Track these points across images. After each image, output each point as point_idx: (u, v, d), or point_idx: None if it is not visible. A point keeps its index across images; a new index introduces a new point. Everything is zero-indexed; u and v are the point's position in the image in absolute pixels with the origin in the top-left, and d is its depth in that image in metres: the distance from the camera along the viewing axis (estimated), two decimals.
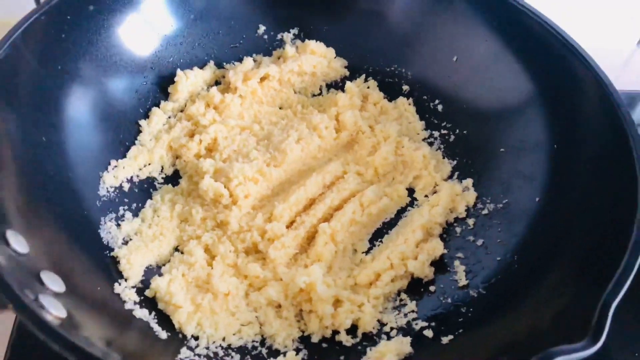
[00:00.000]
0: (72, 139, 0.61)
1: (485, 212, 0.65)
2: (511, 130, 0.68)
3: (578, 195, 0.56)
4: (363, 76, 0.79)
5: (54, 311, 0.43)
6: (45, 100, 0.59)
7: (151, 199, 0.65)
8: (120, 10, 0.68)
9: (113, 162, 0.65)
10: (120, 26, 0.68)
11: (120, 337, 0.48)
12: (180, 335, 0.53)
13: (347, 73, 0.80)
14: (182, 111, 0.73)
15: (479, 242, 0.62)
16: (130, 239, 0.60)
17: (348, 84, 0.77)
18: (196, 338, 0.53)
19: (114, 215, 0.62)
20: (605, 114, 0.55)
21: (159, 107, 0.72)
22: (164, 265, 0.60)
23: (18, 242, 0.46)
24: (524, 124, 0.66)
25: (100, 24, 0.66)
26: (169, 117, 0.72)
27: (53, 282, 0.47)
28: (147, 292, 0.56)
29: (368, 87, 0.79)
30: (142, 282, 0.57)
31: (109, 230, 0.60)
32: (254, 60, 0.78)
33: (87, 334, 0.43)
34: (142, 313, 0.53)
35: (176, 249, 0.62)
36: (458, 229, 0.65)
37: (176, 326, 0.54)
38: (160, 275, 0.58)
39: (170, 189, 0.67)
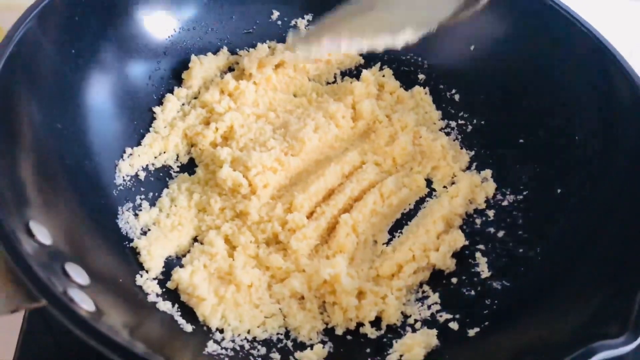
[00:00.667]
0: (88, 125, 0.59)
1: (505, 203, 0.65)
2: (530, 121, 0.67)
3: (606, 187, 0.56)
4: (378, 64, 0.78)
5: (84, 305, 0.42)
6: (62, 85, 0.57)
7: (168, 187, 0.64)
8: None
9: (128, 150, 0.64)
10: (136, 9, 0.67)
11: (146, 330, 0.47)
12: (205, 328, 0.52)
13: (362, 61, 0.79)
14: (196, 98, 0.72)
15: (500, 233, 0.62)
16: (149, 229, 0.59)
17: (364, 72, 0.76)
18: (221, 331, 0.53)
19: (131, 204, 0.60)
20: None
21: (172, 94, 0.70)
22: (183, 256, 0.59)
23: (42, 234, 0.45)
24: (544, 115, 0.66)
25: (115, 6, 0.65)
26: (183, 104, 0.71)
27: (77, 274, 0.46)
28: (169, 284, 0.55)
29: (383, 76, 0.78)
30: (163, 273, 0.56)
31: (127, 220, 0.59)
32: (268, 47, 0.77)
33: (115, 327, 0.42)
34: (165, 306, 0.52)
35: (195, 239, 0.61)
36: (478, 221, 0.64)
37: (200, 319, 0.53)
38: (181, 266, 0.57)
39: (187, 178, 0.65)
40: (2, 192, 0.43)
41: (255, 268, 0.57)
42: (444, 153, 0.70)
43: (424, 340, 0.52)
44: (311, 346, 0.53)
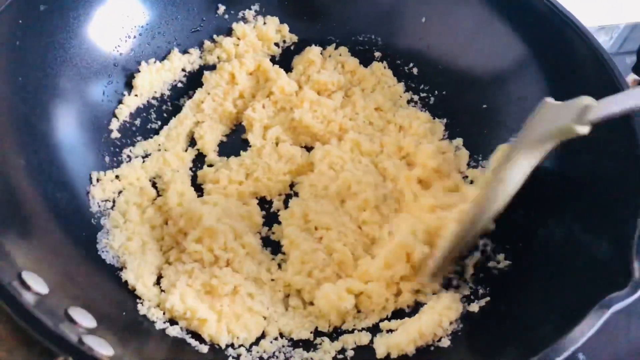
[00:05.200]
0: (54, 156, 0.56)
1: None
2: (491, 87, 0.69)
3: (579, 146, 0.58)
4: (333, 45, 0.78)
5: (102, 350, 0.40)
6: (20, 118, 0.53)
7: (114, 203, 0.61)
8: (71, 7, 0.62)
9: (95, 175, 0.60)
10: (79, 26, 0.62)
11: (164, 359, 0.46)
12: (217, 347, 0.51)
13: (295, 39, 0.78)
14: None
15: None
16: (124, 258, 0.56)
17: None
18: (232, 346, 0.52)
19: (105, 231, 0.58)
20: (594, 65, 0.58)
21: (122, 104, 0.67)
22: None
23: (37, 283, 0.43)
24: (505, 80, 0.68)
25: (55, 24, 0.60)
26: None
27: (83, 317, 0.44)
28: (166, 316, 0.53)
29: (340, 55, 0.77)
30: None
31: (106, 250, 0.56)
32: (214, 41, 0.74)
33: None
34: (175, 330, 0.51)
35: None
36: None
37: (207, 340, 0.52)
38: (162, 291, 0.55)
39: (135, 192, 0.62)
40: None
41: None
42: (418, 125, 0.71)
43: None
44: (319, 344, 0.53)
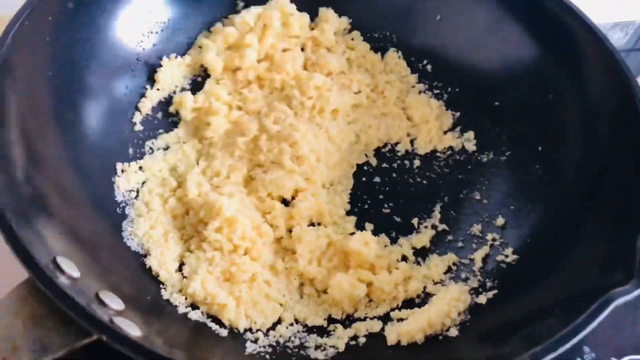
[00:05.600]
0: (81, 149, 0.59)
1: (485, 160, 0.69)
2: (504, 85, 0.71)
3: (585, 141, 0.60)
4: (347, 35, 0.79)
5: (131, 330, 0.43)
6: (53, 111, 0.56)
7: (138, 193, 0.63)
8: (97, 4, 0.64)
9: (119, 166, 0.63)
10: (102, 20, 0.65)
11: (189, 342, 0.49)
12: (236, 331, 0.54)
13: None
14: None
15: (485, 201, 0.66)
16: (147, 245, 0.59)
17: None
18: (251, 330, 0.55)
19: (130, 219, 0.60)
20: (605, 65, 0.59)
21: (145, 97, 0.69)
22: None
23: (70, 267, 0.45)
24: (518, 79, 0.69)
25: (82, 21, 0.63)
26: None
27: (112, 301, 0.46)
28: (188, 300, 0.55)
29: (352, 39, 0.79)
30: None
31: (131, 237, 0.59)
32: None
33: (165, 347, 0.44)
34: (196, 314, 0.54)
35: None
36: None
37: (226, 324, 0.54)
38: (184, 278, 0.57)
39: (157, 182, 0.64)
40: (27, 231, 0.43)
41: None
42: (429, 112, 0.73)
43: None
44: (332, 330, 0.56)
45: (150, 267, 0.56)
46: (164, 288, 0.55)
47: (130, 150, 0.65)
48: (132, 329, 0.43)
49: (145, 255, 0.57)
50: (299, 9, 0.76)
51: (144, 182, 0.64)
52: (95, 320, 0.39)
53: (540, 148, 0.65)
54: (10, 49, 0.52)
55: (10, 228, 0.42)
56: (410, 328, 0.53)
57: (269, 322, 0.55)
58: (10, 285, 0.42)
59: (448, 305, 0.54)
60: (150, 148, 0.67)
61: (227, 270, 0.57)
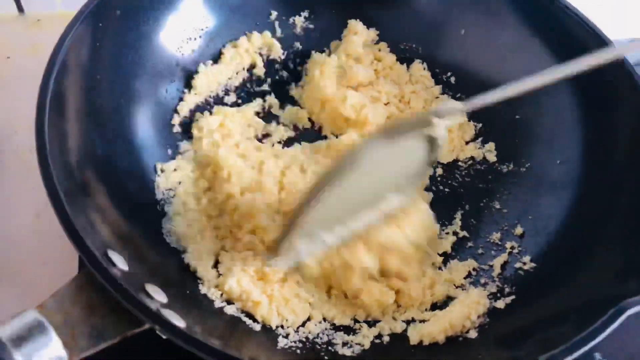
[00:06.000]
0: (125, 149, 0.63)
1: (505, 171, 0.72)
2: (525, 100, 0.72)
3: (602, 156, 0.63)
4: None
5: (175, 321, 0.46)
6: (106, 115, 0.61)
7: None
8: (143, 12, 0.68)
9: (159, 165, 0.67)
10: (147, 27, 0.68)
11: (225, 334, 0.52)
12: (268, 326, 0.57)
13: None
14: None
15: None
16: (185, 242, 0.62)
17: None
18: (282, 327, 0.58)
19: (169, 218, 0.64)
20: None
21: (183, 100, 0.73)
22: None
23: (120, 261, 0.49)
24: (539, 94, 0.71)
25: (128, 27, 0.66)
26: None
27: (157, 294, 0.50)
28: (224, 297, 0.58)
29: (379, 50, 0.82)
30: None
31: (169, 235, 0.62)
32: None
33: (206, 337, 0.47)
34: (231, 309, 0.57)
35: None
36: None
37: (259, 320, 0.57)
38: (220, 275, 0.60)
39: (191, 183, 0.67)
40: (84, 225, 0.46)
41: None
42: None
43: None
44: (358, 329, 0.59)
45: (188, 264, 0.60)
46: (202, 283, 0.58)
47: (169, 151, 0.69)
48: (177, 320, 0.46)
49: (183, 252, 0.61)
50: (329, 21, 0.80)
51: (180, 182, 0.67)
52: (147, 309, 0.42)
53: (558, 161, 0.68)
54: (68, 51, 0.55)
55: (67, 215, 0.45)
56: (432, 329, 0.56)
57: (300, 320, 0.58)
58: (68, 275, 0.46)
59: (468, 308, 0.57)
60: (184, 149, 0.71)
61: (261, 270, 0.60)
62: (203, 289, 0.58)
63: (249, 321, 0.56)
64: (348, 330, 0.59)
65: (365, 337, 0.57)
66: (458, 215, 0.69)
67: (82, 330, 0.43)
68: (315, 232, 0.56)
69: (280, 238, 0.57)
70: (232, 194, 0.64)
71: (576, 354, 0.45)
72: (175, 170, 0.68)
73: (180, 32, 0.73)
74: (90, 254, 0.44)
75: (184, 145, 0.71)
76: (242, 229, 0.62)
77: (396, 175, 0.59)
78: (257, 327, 0.56)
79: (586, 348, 0.45)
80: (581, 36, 0.68)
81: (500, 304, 0.59)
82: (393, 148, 0.55)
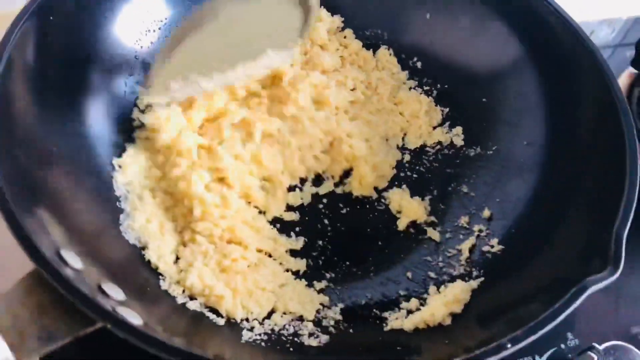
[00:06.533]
0: (81, 144, 0.61)
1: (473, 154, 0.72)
2: (491, 83, 0.73)
3: (567, 137, 0.63)
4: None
5: (133, 320, 0.45)
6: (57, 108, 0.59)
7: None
8: (97, 4, 0.66)
9: (115, 161, 0.64)
10: (103, 19, 0.66)
11: (187, 331, 0.51)
12: (233, 320, 0.56)
13: None
14: None
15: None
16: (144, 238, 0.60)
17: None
18: (247, 320, 0.57)
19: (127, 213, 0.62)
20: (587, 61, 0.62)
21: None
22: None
23: (73, 259, 0.47)
24: (504, 76, 0.72)
25: (82, 19, 0.64)
26: None
27: (113, 291, 0.48)
28: (186, 292, 0.57)
29: (345, 37, 0.81)
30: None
31: (128, 231, 0.60)
32: None
33: (166, 334, 0.46)
34: (194, 305, 0.56)
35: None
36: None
37: (223, 314, 0.56)
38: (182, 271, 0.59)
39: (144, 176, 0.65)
40: (33, 224, 0.45)
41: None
42: (419, 108, 0.75)
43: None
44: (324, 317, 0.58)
45: (149, 260, 0.58)
46: (163, 279, 0.57)
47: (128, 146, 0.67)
48: (134, 318, 0.45)
49: (143, 249, 0.59)
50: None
51: (135, 175, 0.65)
52: (99, 309, 0.41)
53: (525, 143, 0.67)
54: (14, 47, 0.54)
55: (13, 215, 0.44)
56: (408, 323, 0.56)
57: (264, 312, 0.57)
58: (16, 277, 0.44)
59: (447, 308, 0.56)
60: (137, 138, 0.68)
61: (222, 262, 0.59)
62: (164, 285, 0.57)
63: (212, 316, 0.55)
64: (315, 321, 0.58)
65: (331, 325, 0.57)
66: (426, 201, 0.69)
67: (31, 331, 0.41)
68: (188, 74, 0.57)
69: (150, 75, 0.58)
70: (180, 175, 0.63)
71: (542, 332, 0.45)
72: (130, 163, 0.65)
73: (137, 24, 0.71)
74: (38, 253, 0.43)
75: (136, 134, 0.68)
76: (192, 215, 0.61)
77: (268, 31, 0.60)
78: (221, 322, 0.55)
79: (550, 326, 0.45)
80: (546, 18, 0.68)
81: (470, 286, 0.58)
82: (252, 5, 0.56)
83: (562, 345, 0.61)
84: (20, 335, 0.41)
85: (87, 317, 0.42)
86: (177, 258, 0.60)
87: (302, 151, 0.69)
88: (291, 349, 0.53)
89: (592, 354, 0.57)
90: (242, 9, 0.55)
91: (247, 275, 0.59)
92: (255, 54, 0.60)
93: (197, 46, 0.56)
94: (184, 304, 0.55)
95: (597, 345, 0.57)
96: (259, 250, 0.62)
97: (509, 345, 0.43)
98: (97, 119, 0.64)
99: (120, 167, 0.64)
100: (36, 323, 0.42)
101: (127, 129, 0.68)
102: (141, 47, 0.71)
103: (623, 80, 0.79)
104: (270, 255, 0.63)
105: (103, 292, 0.47)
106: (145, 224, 0.60)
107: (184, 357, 0.40)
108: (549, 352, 0.60)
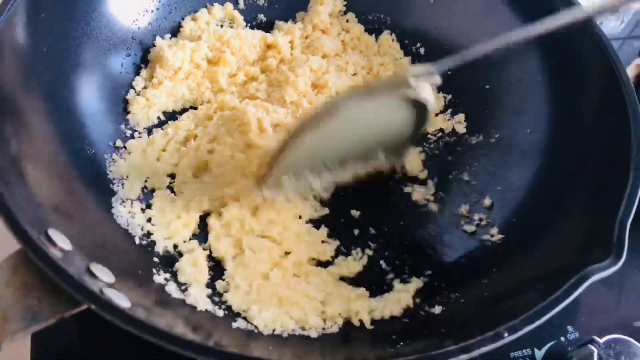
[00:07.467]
0: (78, 123, 0.60)
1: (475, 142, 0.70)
2: (494, 69, 0.71)
3: (571, 125, 0.61)
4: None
5: (120, 302, 0.44)
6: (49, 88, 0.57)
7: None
8: None
9: (111, 143, 0.64)
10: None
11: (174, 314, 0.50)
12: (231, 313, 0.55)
13: None
14: None
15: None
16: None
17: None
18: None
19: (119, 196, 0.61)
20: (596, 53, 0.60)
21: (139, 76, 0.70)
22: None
23: (61, 240, 0.46)
24: (507, 63, 0.70)
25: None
26: None
27: (103, 273, 0.47)
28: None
29: (347, 21, 0.80)
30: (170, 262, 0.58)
31: (120, 215, 0.59)
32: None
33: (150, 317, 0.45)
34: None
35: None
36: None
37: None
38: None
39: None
40: (19, 203, 0.44)
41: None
42: None
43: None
44: None
45: (141, 244, 0.57)
46: (157, 268, 0.56)
47: (123, 127, 0.66)
48: (122, 300, 0.44)
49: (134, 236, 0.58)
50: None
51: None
52: (85, 290, 0.40)
53: (528, 130, 0.66)
54: (5, 24, 0.52)
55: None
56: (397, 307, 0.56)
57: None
58: (1, 256, 0.43)
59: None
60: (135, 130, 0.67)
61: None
62: (157, 278, 0.55)
63: (210, 307, 0.54)
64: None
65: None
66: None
67: (15, 312, 0.41)
68: (301, 171, 0.58)
69: (266, 171, 0.59)
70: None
71: (538, 322, 0.43)
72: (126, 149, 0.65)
73: (135, 3, 0.69)
74: (24, 232, 0.42)
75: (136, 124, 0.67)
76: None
77: (382, 133, 0.60)
78: (220, 314, 0.54)
79: (549, 316, 0.44)
80: (551, 2, 0.66)
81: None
82: (371, 104, 0.56)
83: (562, 338, 0.60)
84: (3, 316, 0.40)
85: (72, 298, 0.41)
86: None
87: None
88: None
89: (592, 347, 0.55)
90: (361, 109, 0.55)
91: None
92: (367, 158, 0.61)
93: (312, 145, 0.56)
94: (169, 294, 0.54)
95: (597, 338, 0.56)
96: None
97: (506, 334, 0.42)
98: (93, 99, 0.63)
99: (117, 148, 0.63)
100: (20, 303, 0.41)
101: (123, 110, 0.67)
102: (138, 27, 0.70)
103: (631, 72, 0.77)
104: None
105: (92, 274, 0.46)
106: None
107: (169, 340, 0.39)
108: (548, 345, 0.59)
